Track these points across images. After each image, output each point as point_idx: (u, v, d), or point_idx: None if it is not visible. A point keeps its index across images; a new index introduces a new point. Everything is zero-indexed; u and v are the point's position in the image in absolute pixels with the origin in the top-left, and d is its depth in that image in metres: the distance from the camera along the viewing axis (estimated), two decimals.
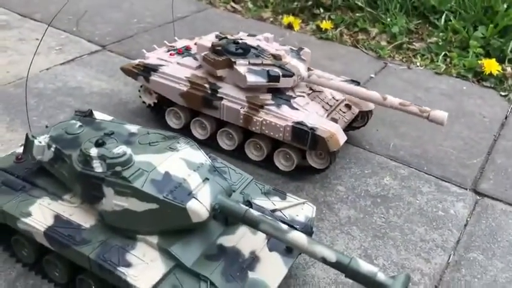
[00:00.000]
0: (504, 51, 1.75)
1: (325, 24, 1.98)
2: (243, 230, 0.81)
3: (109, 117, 1.02)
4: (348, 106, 1.22)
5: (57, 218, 0.79)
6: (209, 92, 1.15)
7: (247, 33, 1.34)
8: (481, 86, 1.68)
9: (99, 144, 0.78)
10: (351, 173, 1.21)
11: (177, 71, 1.19)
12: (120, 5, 2.11)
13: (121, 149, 0.77)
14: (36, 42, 1.73)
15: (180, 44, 1.35)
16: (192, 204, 0.73)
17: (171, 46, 1.33)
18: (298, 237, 0.71)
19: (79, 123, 0.88)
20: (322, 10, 2.07)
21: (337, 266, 0.69)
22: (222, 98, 1.14)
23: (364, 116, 1.30)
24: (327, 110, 1.16)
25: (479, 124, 1.46)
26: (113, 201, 0.75)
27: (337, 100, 1.22)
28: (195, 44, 1.34)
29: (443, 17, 1.91)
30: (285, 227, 0.73)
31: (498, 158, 1.31)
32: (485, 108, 1.55)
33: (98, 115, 0.99)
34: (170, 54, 1.26)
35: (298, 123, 1.08)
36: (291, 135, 1.08)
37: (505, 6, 1.82)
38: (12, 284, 0.86)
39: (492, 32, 1.79)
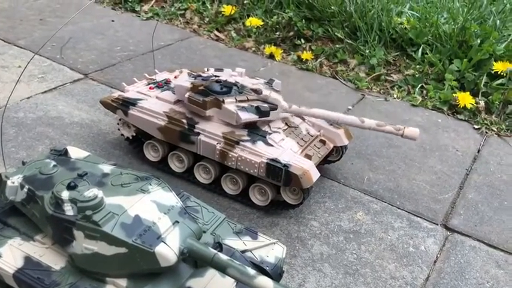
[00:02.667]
0: (478, 85, 1.80)
1: (306, 55, 2.02)
2: (212, 273, 0.82)
3: (85, 153, 1.03)
4: (323, 141, 1.25)
5: (27, 259, 0.80)
6: (186, 127, 1.17)
7: (215, 68, 1.36)
8: (455, 118, 1.73)
9: (71, 187, 0.80)
10: (325, 207, 1.23)
11: (155, 106, 1.21)
12: (104, 32, 2.14)
13: (92, 192, 0.78)
14: (18, 69, 1.75)
15: (160, 77, 1.37)
16: (160, 249, 0.74)
17: (150, 79, 1.35)
18: (264, 282, 0.73)
19: (53, 163, 0.89)
20: (303, 41, 2.11)
21: None
22: (199, 133, 1.16)
23: (338, 151, 1.33)
24: (301, 146, 1.19)
25: (453, 158, 1.50)
26: (83, 244, 0.76)
27: (312, 136, 1.24)
28: (175, 77, 1.37)
29: (420, 49, 1.96)
30: (252, 272, 0.74)
31: (469, 192, 1.35)
32: (458, 141, 1.59)
33: (74, 151, 1.00)
34: (150, 88, 1.28)
35: (272, 160, 1.10)
36: (265, 171, 1.11)
37: (479, 41, 1.87)
38: None
39: (466, 66, 1.85)
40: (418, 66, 1.94)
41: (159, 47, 2.05)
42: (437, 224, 1.22)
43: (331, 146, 1.27)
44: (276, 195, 1.17)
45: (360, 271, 1.05)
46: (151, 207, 0.80)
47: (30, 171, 0.88)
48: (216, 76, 1.24)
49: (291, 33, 2.16)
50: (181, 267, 0.81)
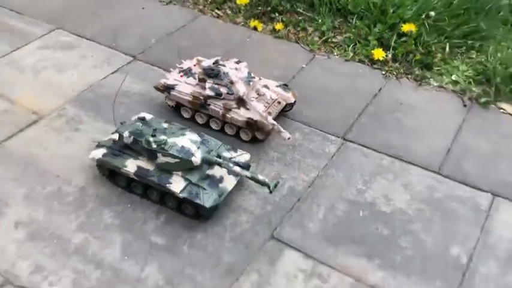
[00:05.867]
0: (389, 41, 2.71)
1: (278, 26, 2.93)
2: (217, 168, 1.88)
3: (151, 116, 2.06)
4: (279, 102, 2.19)
5: (138, 166, 1.87)
6: (203, 101, 2.14)
7: (234, 60, 2.20)
8: (372, 68, 2.66)
9: (152, 135, 1.84)
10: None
11: (185, 88, 2.17)
12: (139, 18, 3.05)
13: (161, 136, 1.83)
14: (92, 58, 2.74)
15: (185, 65, 2.29)
16: (194, 158, 1.80)
17: (180, 68, 2.30)
18: (238, 169, 1.79)
19: (140, 124, 1.93)
20: (277, 14, 3.01)
21: (252, 179, 1.77)
22: (209, 105, 2.13)
23: (289, 105, 2.25)
24: (266, 107, 2.13)
25: (362, 96, 2.44)
26: (161, 159, 1.82)
27: (273, 99, 2.18)
28: (194, 65, 2.31)
29: (355, 17, 2.85)
30: (232, 165, 1.79)
31: (364, 118, 2.34)
32: (367, 85, 2.53)
33: (147, 115, 2.04)
34: (181, 76, 2.24)
35: (248, 118, 2.08)
36: (245, 124, 2.09)
37: (392, 10, 2.75)
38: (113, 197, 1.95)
39: (384, 29, 2.74)
40: (353, 30, 2.83)
41: (178, 28, 2.98)
42: (339, 137, 2.24)
43: (284, 103, 2.22)
44: (252, 135, 2.16)
45: (288, 161, 2.10)
46: (188, 141, 1.84)
47: (131, 128, 1.92)
48: (216, 66, 2.13)
49: (269, 8, 3.05)
50: (203, 166, 1.87)
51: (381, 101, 2.44)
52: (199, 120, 2.26)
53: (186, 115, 2.28)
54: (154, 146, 1.81)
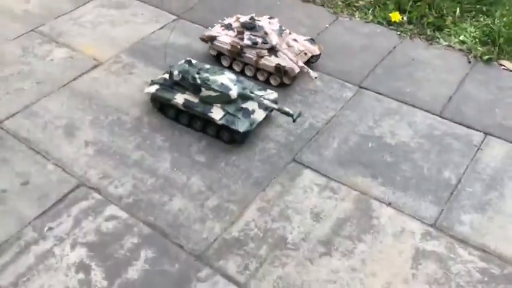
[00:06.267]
0: (405, 6, 3.01)
1: None
2: (250, 102, 2.26)
3: (195, 61, 2.45)
4: (305, 53, 2.53)
5: (185, 99, 2.27)
6: (240, 49, 2.51)
7: (267, 16, 2.57)
8: (389, 29, 2.98)
9: (197, 73, 2.23)
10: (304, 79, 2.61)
11: (225, 39, 2.53)
12: None
13: (205, 74, 2.22)
14: (142, 16, 3.14)
15: (227, 21, 2.64)
16: (231, 92, 2.18)
17: (221, 23, 2.64)
18: (267, 102, 2.16)
19: (187, 65, 2.33)
20: None
21: (278, 110, 2.15)
22: (245, 53, 2.48)
23: (314, 57, 2.60)
24: (295, 56, 2.50)
25: (378, 53, 2.79)
26: (205, 92, 2.21)
27: (301, 50, 2.51)
28: (234, 21, 2.66)
29: None
30: (263, 99, 2.17)
31: (378, 70, 2.67)
32: (384, 43, 2.86)
33: (192, 60, 2.42)
34: (222, 29, 2.60)
35: (277, 64, 2.45)
36: (274, 69, 2.46)
37: None
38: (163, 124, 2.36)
39: None
40: None
41: None
42: (355, 85, 2.58)
43: (310, 55, 2.56)
44: (280, 80, 2.51)
45: (309, 103, 2.46)
46: (227, 79, 2.21)
47: (179, 68, 2.31)
48: (253, 21, 2.50)
49: None
50: (238, 100, 2.24)
51: (395, 56, 2.77)
52: (236, 68, 2.62)
53: (225, 63, 2.65)
54: (199, 81, 2.20)
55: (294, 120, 2.16)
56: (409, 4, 3.00)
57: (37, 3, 3.20)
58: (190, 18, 3.09)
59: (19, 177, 2.12)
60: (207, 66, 2.34)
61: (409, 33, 2.91)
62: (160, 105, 2.37)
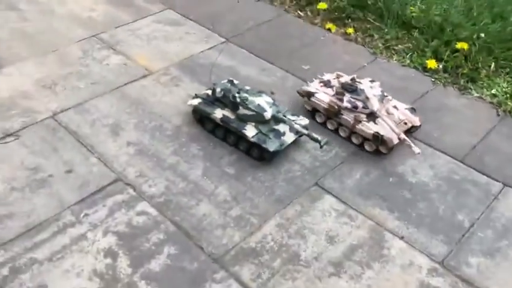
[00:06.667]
0: (442, 55, 3.14)
1: (349, 30, 3.43)
2: (282, 125, 2.42)
3: (237, 81, 2.64)
4: (405, 123, 2.49)
5: (224, 114, 2.45)
6: (337, 110, 2.50)
7: (369, 79, 2.57)
8: (423, 75, 3.11)
9: (238, 92, 2.42)
10: None
11: (323, 97, 2.54)
12: (233, 9, 3.68)
13: (244, 94, 2.40)
14: (193, 35, 3.38)
15: (326, 77, 2.67)
16: (266, 113, 2.35)
17: (321, 79, 2.66)
18: (298, 127, 2.33)
19: (229, 84, 2.52)
20: (350, 20, 3.52)
21: (307, 135, 2.30)
22: (342, 114, 2.48)
23: (414, 127, 2.55)
24: (396, 125, 2.42)
25: (411, 95, 2.92)
26: (242, 110, 2.39)
27: (401, 120, 2.48)
28: (333, 78, 2.65)
29: (416, 31, 3.30)
30: (294, 124, 2.33)
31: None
32: (418, 88, 2.99)
33: (234, 81, 2.62)
34: (320, 86, 2.62)
35: (376, 132, 2.41)
36: (371, 136, 2.41)
37: (449, 29, 3.18)
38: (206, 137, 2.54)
39: (440, 43, 3.18)
40: (413, 41, 3.29)
41: (265, 21, 3.56)
42: None
43: (410, 125, 2.51)
44: (376, 147, 2.43)
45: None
46: (263, 101, 2.38)
47: (221, 86, 2.51)
48: (354, 82, 2.49)
49: (343, 15, 3.57)
50: (272, 121, 2.41)
51: (426, 100, 2.89)
52: (330, 126, 2.49)
53: (319, 120, 2.64)
54: (238, 100, 2.39)
55: (321, 147, 2.30)
56: (447, 54, 3.13)
57: (101, 12, 3.50)
58: (238, 42, 3.30)
59: (65, 165, 2.33)
60: (247, 87, 2.53)
61: (443, 81, 3.03)
62: (200, 118, 2.57)
